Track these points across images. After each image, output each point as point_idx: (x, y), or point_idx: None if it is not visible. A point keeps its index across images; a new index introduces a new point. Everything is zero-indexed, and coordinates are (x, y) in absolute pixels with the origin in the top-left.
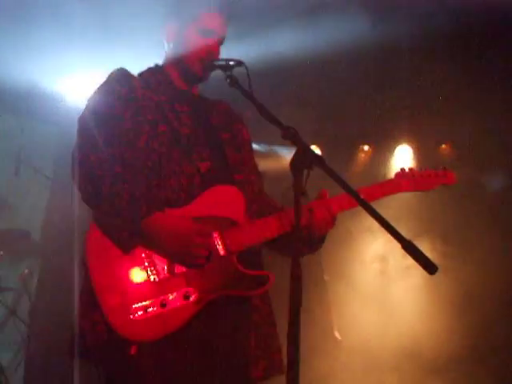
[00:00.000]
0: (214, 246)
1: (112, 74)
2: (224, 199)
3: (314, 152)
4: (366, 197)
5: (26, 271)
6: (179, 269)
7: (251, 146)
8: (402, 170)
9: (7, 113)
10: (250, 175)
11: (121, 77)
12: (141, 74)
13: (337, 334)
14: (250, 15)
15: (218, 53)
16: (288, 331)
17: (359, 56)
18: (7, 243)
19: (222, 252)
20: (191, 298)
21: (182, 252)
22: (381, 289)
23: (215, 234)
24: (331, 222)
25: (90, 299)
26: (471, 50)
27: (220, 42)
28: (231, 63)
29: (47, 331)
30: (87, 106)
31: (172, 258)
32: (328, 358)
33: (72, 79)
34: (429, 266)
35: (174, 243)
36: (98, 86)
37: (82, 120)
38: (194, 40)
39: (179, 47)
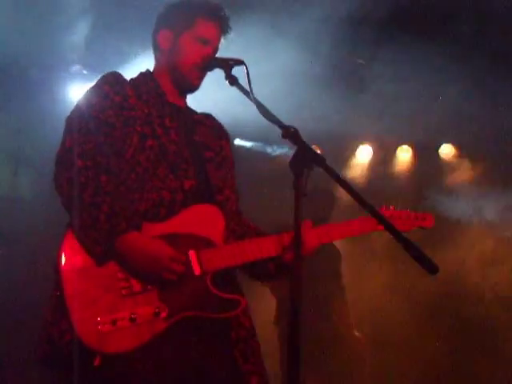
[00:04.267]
0: (189, 264)
1: (106, 77)
2: (204, 218)
3: (314, 151)
4: (343, 231)
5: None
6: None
7: (233, 164)
8: (383, 207)
9: (7, 113)
10: (229, 193)
11: (115, 83)
12: (132, 80)
13: (356, 333)
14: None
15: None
16: (288, 332)
17: (359, 56)
18: (7, 243)
19: (196, 271)
20: (161, 315)
21: (152, 275)
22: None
23: (191, 253)
24: (309, 254)
25: (59, 306)
26: (475, 50)
27: (215, 51)
28: (231, 62)
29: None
30: (78, 108)
31: (142, 278)
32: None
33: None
34: (430, 266)
35: (146, 265)
36: (90, 88)
37: (72, 121)
38: (190, 48)
39: (174, 54)
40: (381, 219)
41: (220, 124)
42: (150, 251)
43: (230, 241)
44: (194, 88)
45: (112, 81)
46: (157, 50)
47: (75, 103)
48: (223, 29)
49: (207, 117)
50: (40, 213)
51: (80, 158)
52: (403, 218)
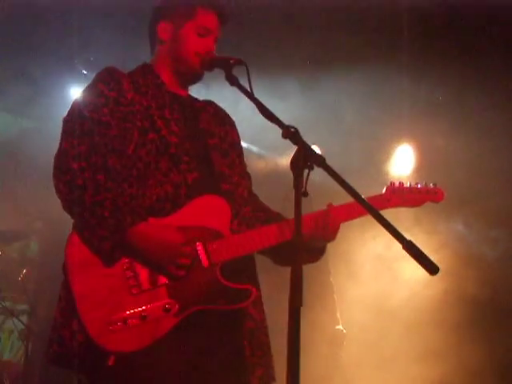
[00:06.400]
0: (198, 257)
1: (100, 74)
2: (209, 210)
3: (314, 152)
4: (353, 212)
5: (25, 271)
6: (161, 280)
7: (240, 149)
8: (393, 184)
9: (7, 113)
10: (239, 179)
11: (110, 78)
12: (130, 73)
13: (341, 327)
14: None
15: (214, 51)
16: (288, 331)
17: (360, 56)
18: (7, 244)
19: (205, 263)
20: (172, 311)
21: (166, 261)
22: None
23: (199, 245)
24: (336, 232)
25: (69, 307)
26: (474, 49)
27: (216, 41)
28: (231, 62)
29: (46, 331)
30: (72, 109)
31: (156, 268)
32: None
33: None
34: (430, 267)
35: (159, 253)
36: (85, 87)
37: (67, 123)
38: (192, 38)
39: (176, 45)
40: (381, 220)
41: (223, 110)
42: (162, 238)
43: (242, 228)
44: (197, 75)
45: (106, 77)
46: (156, 41)
47: (71, 104)
48: (223, 19)
49: (209, 104)
50: (48, 213)
51: (75, 160)
52: (414, 193)
